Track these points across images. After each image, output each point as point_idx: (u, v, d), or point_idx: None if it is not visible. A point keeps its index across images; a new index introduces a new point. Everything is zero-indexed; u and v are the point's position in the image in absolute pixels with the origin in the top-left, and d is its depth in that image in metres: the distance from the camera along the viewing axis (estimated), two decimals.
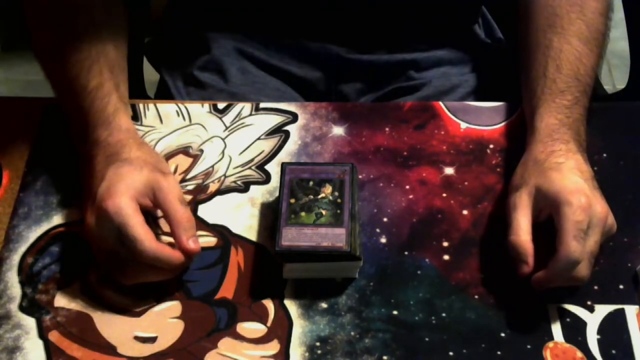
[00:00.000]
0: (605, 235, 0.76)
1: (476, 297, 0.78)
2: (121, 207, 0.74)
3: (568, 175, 0.76)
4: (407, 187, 0.86)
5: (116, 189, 0.75)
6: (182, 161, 0.88)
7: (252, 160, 0.88)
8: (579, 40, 0.85)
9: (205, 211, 0.84)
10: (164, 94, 1.05)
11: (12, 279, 0.79)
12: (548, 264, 0.74)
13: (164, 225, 0.82)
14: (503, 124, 0.91)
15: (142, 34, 1.13)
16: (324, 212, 0.77)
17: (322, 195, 0.79)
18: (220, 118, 0.92)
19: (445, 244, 0.81)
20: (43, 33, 0.86)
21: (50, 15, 0.85)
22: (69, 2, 0.84)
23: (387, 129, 0.91)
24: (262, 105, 0.93)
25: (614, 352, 0.74)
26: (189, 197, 0.85)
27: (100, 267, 0.78)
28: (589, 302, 0.77)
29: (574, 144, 0.80)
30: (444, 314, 0.77)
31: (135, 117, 0.91)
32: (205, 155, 0.89)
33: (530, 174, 0.79)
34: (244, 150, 0.89)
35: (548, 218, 0.76)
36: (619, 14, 1.04)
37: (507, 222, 0.78)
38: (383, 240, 0.82)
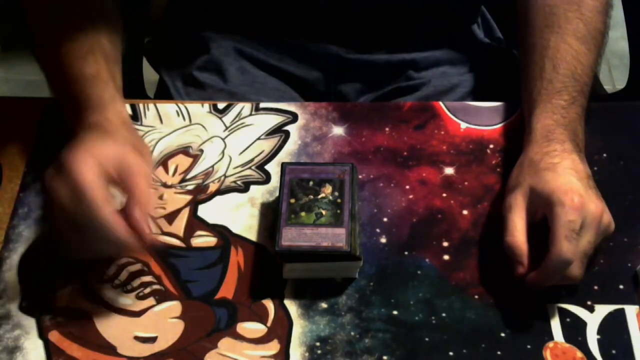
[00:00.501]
0: (602, 234, 0.76)
1: (476, 297, 0.78)
2: (80, 164, 0.72)
3: (562, 175, 0.76)
4: (407, 187, 0.86)
5: (82, 149, 0.74)
6: (182, 161, 0.88)
7: (252, 160, 0.88)
8: (576, 39, 0.85)
9: (205, 211, 0.84)
10: (163, 94, 1.05)
11: (12, 279, 0.79)
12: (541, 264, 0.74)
13: (163, 224, 0.82)
14: (503, 124, 0.91)
15: (142, 34, 1.13)
16: (324, 212, 0.77)
17: (322, 195, 0.79)
18: (220, 118, 0.92)
19: (445, 244, 0.81)
20: (40, 26, 0.86)
21: (47, 9, 0.85)
22: None
23: (387, 129, 0.91)
24: (262, 105, 0.93)
25: (614, 352, 0.74)
26: (188, 197, 0.85)
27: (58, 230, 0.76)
28: (589, 302, 0.77)
29: (570, 144, 0.80)
30: (444, 314, 0.76)
31: (135, 117, 0.91)
32: (205, 155, 0.89)
33: (525, 174, 0.79)
34: (244, 150, 0.89)
35: (543, 218, 0.76)
36: (619, 14, 1.04)
37: (503, 223, 0.78)
38: (383, 240, 0.82)
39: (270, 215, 0.83)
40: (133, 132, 0.82)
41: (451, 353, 0.74)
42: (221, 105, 0.93)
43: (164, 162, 0.87)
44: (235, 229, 0.83)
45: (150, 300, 0.78)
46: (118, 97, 0.83)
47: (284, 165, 0.81)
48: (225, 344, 0.75)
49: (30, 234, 0.82)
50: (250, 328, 0.76)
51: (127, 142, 0.77)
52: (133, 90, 0.88)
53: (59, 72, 0.83)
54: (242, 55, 1.04)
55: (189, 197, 0.85)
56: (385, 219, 0.83)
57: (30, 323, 0.77)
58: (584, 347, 0.74)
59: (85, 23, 0.84)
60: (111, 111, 0.80)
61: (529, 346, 0.74)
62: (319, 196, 0.78)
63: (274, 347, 0.75)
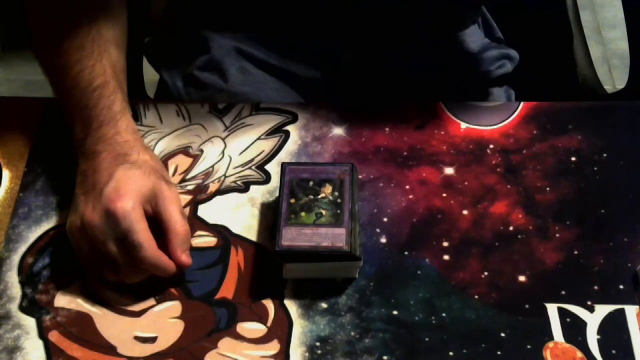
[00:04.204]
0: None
1: (476, 297, 0.78)
2: (130, 212, 0.74)
3: None
4: (407, 187, 0.86)
5: (125, 191, 0.75)
6: (182, 161, 0.88)
7: (252, 160, 0.88)
8: None
9: (205, 211, 0.84)
10: (164, 94, 1.05)
11: (12, 279, 0.79)
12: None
13: None
14: (503, 124, 0.91)
15: (142, 34, 1.13)
16: (324, 212, 0.77)
17: (322, 195, 0.79)
18: (220, 118, 0.92)
19: (445, 244, 0.81)
20: (44, 31, 0.86)
21: (52, 13, 0.85)
22: (71, 0, 0.84)
23: (387, 129, 0.91)
24: (262, 105, 0.93)
25: (614, 352, 0.74)
26: (188, 197, 0.85)
27: (85, 263, 0.78)
28: (589, 302, 0.77)
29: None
30: (444, 314, 0.77)
31: (135, 117, 0.91)
32: (205, 155, 0.89)
33: None
34: (244, 150, 0.89)
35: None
36: (619, 14, 1.04)
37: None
38: (383, 240, 0.82)
39: (270, 215, 0.83)
40: (149, 151, 0.83)
41: (451, 353, 0.74)
42: (221, 105, 0.93)
43: (164, 162, 0.87)
44: (235, 229, 0.83)
45: (150, 300, 0.78)
46: (127, 107, 0.84)
47: (284, 165, 0.81)
48: (225, 344, 0.75)
49: (30, 234, 0.83)
50: (250, 328, 0.76)
51: (154, 172, 0.79)
52: (133, 90, 0.88)
53: (64, 82, 0.83)
54: (243, 55, 1.03)
55: (189, 197, 0.85)
56: (385, 219, 0.83)
57: (30, 323, 0.77)
58: (584, 347, 0.74)
59: (91, 29, 0.83)
60: (122, 125, 0.81)
61: (529, 346, 0.74)
62: (319, 196, 0.78)
63: (274, 347, 0.75)
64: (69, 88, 0.83)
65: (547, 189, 0.85)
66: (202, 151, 0.89)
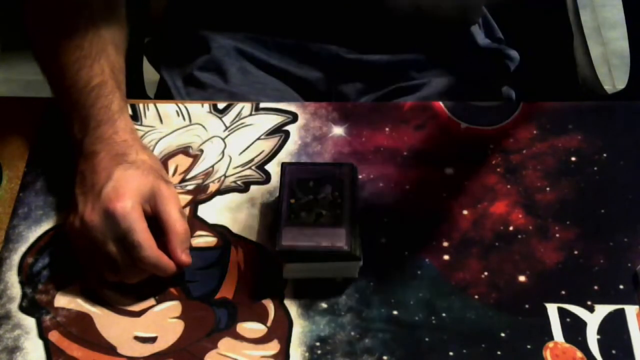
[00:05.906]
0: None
1: (476, 297, 0.78)
2: (129, 211, 0.74)
3: None
4: (407, 187, 0.86)
5: (124, 191, 0.75)
6: (182, 161, 0.88)
7: (252, 160, 0.88)
8: None
9: (205, 211, 0.84)
10: (164, 94, 1.05)
11: (12, 279, 0.79)
12: None
13: None
14: (503, 124, 0.91)
15: (142, 34, 1.13)
16: (324, 212, 0.77)
17: (322, 195, 0.79)
18: (220, 118, 0.92)
19: (445, 244, 0.81)
20: (42, 31, 0.86)
21: (50, 14, 0.85)
22: (70, 1, 0.84)
23: (387, 129, 0.91)
24: (262, 105, 0.93)
25: (614, 352, 0.74)
26: (188, 197, 0.85)
27: (85, 263, 0.78)
28: (589, 302, 0.77)
29: None
30: (444, 314, 0.77)
31: (135, 117, 0.91)
32: (205, 155, 0.89)
33: None
34: (244, 150, 0.89)
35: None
36: (619, 14, 1.04)
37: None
38: (383, 240, 0.82)
39: (270, 215, 0.83)
40: (147, 151, 0.83)
41: (451, 353, 0.74)
42: (221, 105, 0.93)
43: (164, 162, 0.87)
44: (235, 229, 0.83)
45: (150, 300, 0.78)
46: (125, 107, 0.84)
47: (284, 165, 0.82)
48: (225, 344, 0.75)
49: (30, 234, 0.83)
50: (250, 328, 0.76)
51: (152, 171, 0.79)
52: (133, 90, 0.88)
53: (63, 82, 0.83)
54: (243, 55, 1.04)
55: (189, 197, 0.85)
56: (385, 219, 0.83)
57: (30, 323, 0.77)
58: (584, 347, 0.74)
59: (89, 29, 0.83)
60: (120, 125, 0.81)
61: (529, 346, 0.74)
62: (319, 196, 0.79)
63: (274, 347, 0.75)
64: (67, 87, 0.83)
65: (547, 189, 0.85)
66: (202, 151, 0.89)
